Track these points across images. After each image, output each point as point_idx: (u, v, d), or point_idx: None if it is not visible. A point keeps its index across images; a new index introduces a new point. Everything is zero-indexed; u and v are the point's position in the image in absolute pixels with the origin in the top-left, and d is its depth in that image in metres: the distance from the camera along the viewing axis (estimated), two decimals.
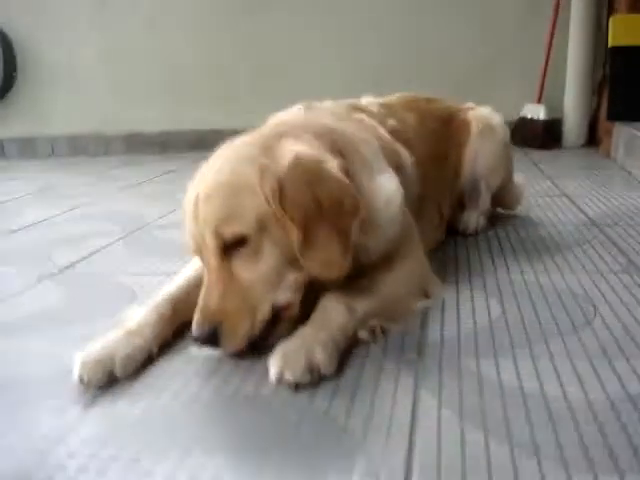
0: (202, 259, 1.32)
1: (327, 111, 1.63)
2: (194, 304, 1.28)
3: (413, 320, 1.45)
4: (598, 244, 2.00)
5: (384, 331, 1.38)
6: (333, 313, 1.31)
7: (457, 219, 2.16)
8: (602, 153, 3.97)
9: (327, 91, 4.85)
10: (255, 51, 5.03)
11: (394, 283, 1.45)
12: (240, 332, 1.24)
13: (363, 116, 1.70)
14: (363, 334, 1.34)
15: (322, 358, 1.19)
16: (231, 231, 1.25)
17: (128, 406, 1.16)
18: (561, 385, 1.14)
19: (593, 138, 4.33)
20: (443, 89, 4.68)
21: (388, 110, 1.88)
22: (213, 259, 1.26)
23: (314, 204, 1.26)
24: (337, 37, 4.90)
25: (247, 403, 1.15)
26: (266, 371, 1.19)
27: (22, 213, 3.07)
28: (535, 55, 4.45)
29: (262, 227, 1.25)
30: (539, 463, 0.93)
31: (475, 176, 2.11)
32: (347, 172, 1.37)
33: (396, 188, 1.47)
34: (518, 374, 1.18)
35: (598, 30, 4.20)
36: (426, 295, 1.54)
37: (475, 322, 1.42)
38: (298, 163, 1.28)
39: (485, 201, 2.16)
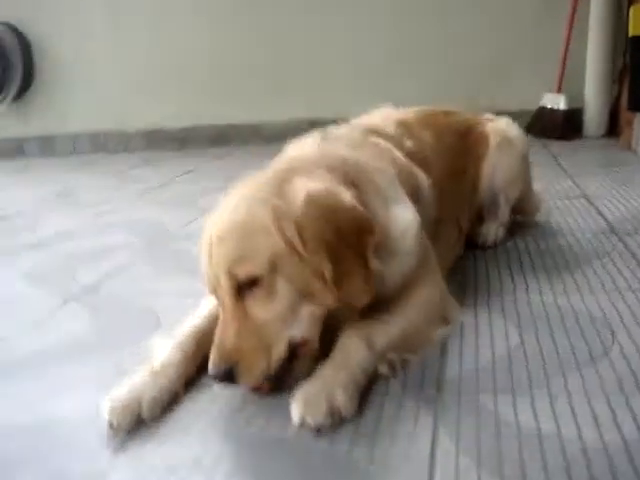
0: (217, 298, 1.35)
1: (342, 140, 1.64)
2: None
3: (432, 350, 1.47)
4: (617, 256, 2.00)
5: (403, 364, 1.40)
6: (353, 350, 1.33)
7: (476, 232, 2.16)
8: (623, 144, 3.93)
9: (345, 88, 4.87)
10: (273, 46, 5.03)
11: (413, 314, 1.47)
12: (256, 370, 1.26)
13: (379, 140, 1.71)
14: (382, 369, 1.36)
15: (343, 401, 1.21)
16: (244, 272, 1.27)
17: (155, 449, 1.20)
18: (577, 426, 1.16)
19: (614, 127, 4.28)
20: (463, 79, 4.68)
21: (405, 129, 1.89)
22: (227, 298, 1.29)
23: (334, 236, 1.29)
24: (357, 33, 4.88)
25: (271, 445, 1.18)
26: (289, 412, 1.22)
27: (43, 223, 3.13)
28: (554, 43, 4.39)
29: (275, 267, 1.28)
30: None
31: (494, 190, 2.12)
32: (361, 202, 1.39)
33: (412, 217, 1.49)
34: (535, 415, 1.20)
35: (619, 18, 4.13)
36: (445, 321, 1.55)
37: (493, 353, 1.44)
38: (311, 200, 1.30)
39: (504, 213, 2.16)
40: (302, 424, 1.19)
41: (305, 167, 1.42)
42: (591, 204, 2.62)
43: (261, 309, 1.28)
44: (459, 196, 2.00)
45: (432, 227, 1.73)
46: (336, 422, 1.20)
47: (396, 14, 4.81)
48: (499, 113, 4.50)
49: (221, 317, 1.31)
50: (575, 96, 4.33)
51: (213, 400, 1.35)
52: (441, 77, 4.76)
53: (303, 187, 1.33)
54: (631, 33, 3.57)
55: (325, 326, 1.37)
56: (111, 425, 1.24)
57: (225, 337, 1.27)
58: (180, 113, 5.32)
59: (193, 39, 5.15)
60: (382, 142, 1.70)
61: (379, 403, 1.29)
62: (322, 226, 1.28)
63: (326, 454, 1.14)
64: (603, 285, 1.78)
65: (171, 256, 2.40)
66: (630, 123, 3.80)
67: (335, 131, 1.72)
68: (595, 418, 1.18)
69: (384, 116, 2.10)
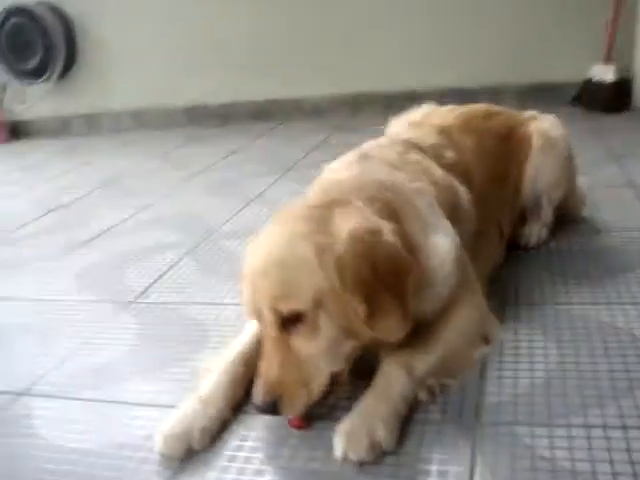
0: (261, 327, 1.39)
1: (381, 160, 1.64)
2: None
3: (471, 373, 1.50)
4: None
5: (443, 389, 1.43)
6: (394, 379, 1.37)
7: (518, 233, 2.15)
8: None
9: (386, 62, 4.79)
10: (314, 21, 4.97)
11: (452, 338, 1.50)
12: (299, 403, 1.31)
13: (419, 157, 1.71)
14: (422, 395, 1.40)
15: (383, 435, 1.26)
16: (288, 308, 1.30)
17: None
18: (611, 463, 1.18)
19: None
20: (508, 50, 4.56)
21: (446, 137, 1.88)
22: (271, 331, 1.33)
23: (374, 276, 1.31)
24: (400, 8, 4.78)
25: (315, 479, 1.25)
26: (332, 444, 1.27)
27: (91, 216, 3.22)
28: (602, 11, 4.22)
29: (318, 303, 1.30)
30: None
31: (537, 192, 2.10)
32: (402, 233, 1.41)
33: (450, 246, 1.51)
34: (571, 449, 1.23)
35: None
36: (485, 340, 1.58)
37: (532, 377, 1.46)
38: (354, 240, 1.32)
39: (547, 214, 2.15)
40: (345, 459, 1.24)
41: (345, 199, 1.43)
42: (638, 198, 2.56)
43: (304, 344, 1.32)
44: (501, 201, 2.00)
45: (472, 240, 1.74)
46: (377, 455, 1.26)
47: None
48: (545, 85, 4.48)
49: (264, 348, 1.36)
50: (625, 66, 4.18)
51: (259, 427, 1.41)
52: (485, 47, 4.65)
53: (345, 224, 1.34)
54: None
55: (363, 350, 1.41)
56: (163, 455, 1.31)
57: (269, 370, 1.32)
58: (221, 89, 5.33)
59: (234, 14, 5.12)
60: (422, 159, 1.70)
61: (419, 432, 1.33)
62: (361, 265, 1.30)
63: None
64: None
65: (216, 257, 2.46)
66: None
67: (373, 150, 1.72)
68: (630, 453, 1.20)
69: (425, 120, 2.10)
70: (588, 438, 1.26)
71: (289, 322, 1.32)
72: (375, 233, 1.35)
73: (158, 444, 1.33)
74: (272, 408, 1.30)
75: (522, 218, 2.18)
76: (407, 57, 4.82)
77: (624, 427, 1.27)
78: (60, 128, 5.82)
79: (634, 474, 1.15)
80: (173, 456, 1.32)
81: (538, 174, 2.07)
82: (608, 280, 1.89)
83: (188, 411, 1.38)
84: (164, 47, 5.37)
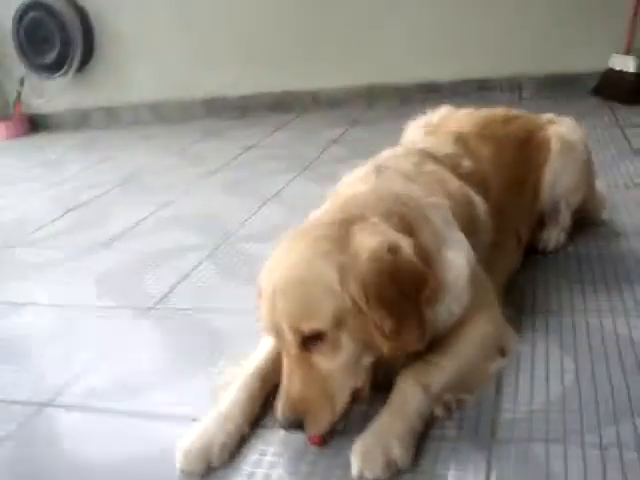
0: (281, 345, 1.40)
1: (396, 173, 1.64)
2: (279, 373, 1.39)
3: (488, 386, 1.51)
4: None
5: (459, 404, 1.44)
6: (410, 395, 1.38)
7: (537, 237, 2.15)
8: None
9: (404, 54, 4.75)
10: (332, 12, 4.93)
11: (467, 352, 1.51)
12: (323, 420, 1.33)
13: (435, 168, 1.71)
14: (438, 411, 1.41)
15: (399, 453, 1.28)
16: (309, 328, 1.32)
17: None
18: None
19: None
20: (527, 39, 4.50)
21: (463, 145, 1.88)
22: (292, 350, 1.35)
23: (394, 291, 1.32)
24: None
25: None
26: (349, 460, 1.29)
27: (110, 215, 3.27)
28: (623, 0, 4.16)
29: (339, 322, 1.32)
30: None
31: (555, 197, 2.09)
32: (417, 248, 1.41)
33: (464, 262, 1.51)
34: (585, 467, 1.24)
35: None
36: (502, 352, 1.58)
37: (548, 392, 1.47)
38: (375, 258, 1.32)
39: (565, 219, 2.14)
40: (361, 477, 1.26)
41: (361, 215, 1.44)
42: None
43: (326, 361, 1.34)
44: (519, 208, 1.99)
45: (488, 251, 1.75)
46: (393, 473, 1.27)
47: None
48: (564, 76, 4.42)
49: (286, 366, 1.37)
50: None
51: (276, 442, 1.43)
52: (503, 37, 4.59)
53: (365, 242, 1.35)
54: None
55: (377, 364, 1.42)
56: (183, 471, 1.34)
57: (292, 387, 1.34)
58: (239, 81, 5.33)
59: (251, 6, 5.10)
60: (437, 170, 1.70)
61: (435, 449, 1.35)
62: (384, 283, 1.31)
63: None
64: None
65: (235, 260, 2.48)
66: None
67: (388, 161, 1.72)
68: None
69: (442, 123, 2.09)
70: (602, 457, 1.26)
71: (309, 340, 1.33)
72: (394, 249, 1.35)
73: (178, 460, 1.35)
74: (297, 425, 1.32)
75: (540, 222, 2.17)
76: (424, 48, 4.78)
77: (638, 448, 1.28)
78: (79, 121, 5.86)
79: None
80: (193, 472, 1.34)
81: (557, 179, 2.06)
82: (626, 287, 1.88)
83: (207, 427, 1.41)
84: (181, 40, 5.37)
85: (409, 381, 1.41)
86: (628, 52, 4.14)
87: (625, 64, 4.11)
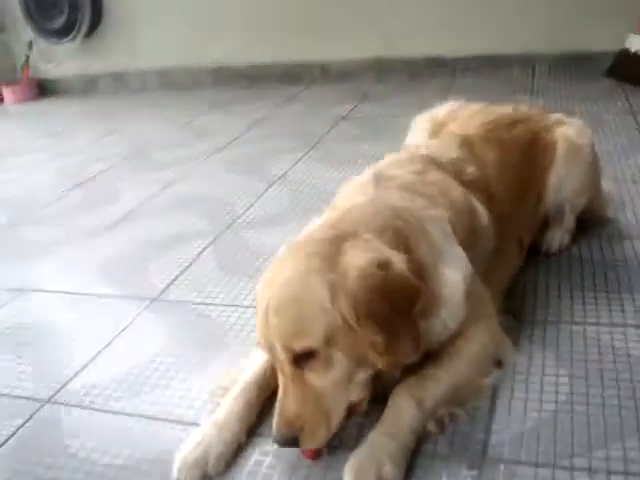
0: (275, 361, 1.41)
1: (396, 183, 1.63)
2: (276, 381, 1.41)
3: (482, 400, 1.52)
4: None
5: (452, 418, 1.46)
6: (404, 411, 1.40)
7: (540, 238, 2.14)
8: None
9: (418, 25, 4.65)
10: None
11: (462, 366, 1.51)
12: (319, 435, 1.35)
13: (437, 176, 1.70)
14: (431, 426, 1.43)
15: (391, 471, 1.30)
16: (300, 346, 1.33)
17: None
18: None
19: None
20: (540, 20, 4.40)
21: (467, 150, 1.86)
22: (286, 367, 1.36)
23: (385, 307, 1.32)
24: None
25: None
26: (341, 473, 1.32)
27: (117, 193, 3.28)
28: None
29: (331, 340, 1.32)
30: None
31: (559, 200, 2.08)
32: (412, 263, 1.42)
33: (460, 279, 1.51)
34: None
35: None
36: (498, 364, 1.60)
37: (540, 411, 1.48)
38: (364, 275, 1.32)
39: (569, 221, 2.13)
40: None
41: (354, 231, 1.43)
42: None
43: (319, 378, 1.35)
44: (523, 213, 1.97)
45: (490, 258, 1.75)
46: None
47: None
48: (579, 55, 4.33)
49: (280, 383, 1.39)
50: None
51: (271, 453, 1.45)
52: (517, 13, 4.50)
53: (355, 259, 1.35)
54: None
55: (374, 377, 1.43)
56: None
57: (286, 404, 1.35)
58: (247, 50, 5.27)
59: None
60: (440, 179, 1.69)
61: (427, 466, 1.37)
62: (374, 300, 1.32)
63: None
64: None
65: (238, 249, 2.49)
66: None
67: (389, 169, 1.71)
68: None
69: (449, 120, 2.08)
70: None
71: (302, 358, 1.34)
72: (385, 265, 1.35)
73: (174, 469, 1.38)
74: (292, 442, 1.34)
75: (544, 223, 2.16)
76: (435, 22, 4.70)
77: (626, 473, 1.29)
78: (86, 87, 5.83)
79: None
80: None
81: (562, 183, 2.05)
82: (627, 296, 1.88)
83: (204, 436, 1.43)
84: (190, 6, 5.30)
85: (403, 395, 1.43)
86: None
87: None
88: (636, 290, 1.90)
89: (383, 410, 1.42)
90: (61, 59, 5.75)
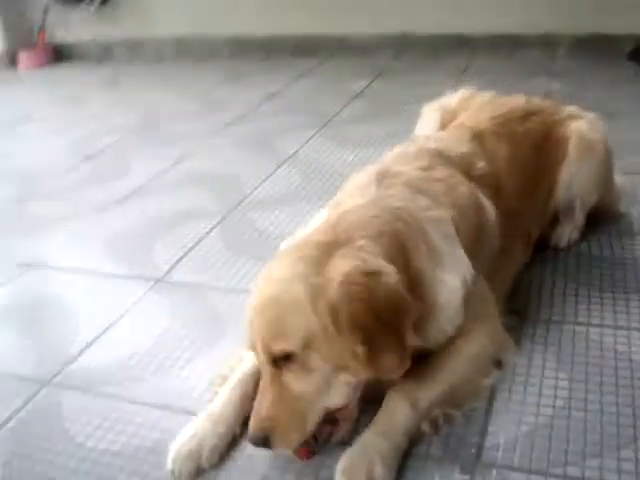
0: (258, 362, 1.41)
1: (400, 181, 1.59)
2: None
3: (479, 402, 1.51)
4: None
5: (447, 419, 1.45)
6: (398, 412, 1.40)
7: (549, 233, 2.11)
8: None
9: (433, 5, 4.54)
10: None
11: (460, 368, 1.50)
12: (290, 439, 1.34)
13: (445, 173, 1.67)
14: (425, 427, 1.42)
15: (382, 473, 1.30)
16: (278, 348, 1.31)
17: None
18: None
19: None
20: (561, 3, 4.29)
21: (478, 144, 1.83)
22: (265, 367, 1.36)
23: (370, 316, 1.29)
24: None
25: None
26: (333, 472, 1.32)
27: (126, 167, 3.27)
28: None
29: (309, 344, 1.31)
30: None
31: (570, 197, 2.04)
32: (408, 269, 1.40)
33: (459, 285, 1.48)
34: None
35: None
36: (498, 364, 1.58)
37: (537, 415, 1.47)
38: (347, 282, 1.29)
39: (579, 218, 2.09)
40: None
41: (348, 236, 1.40)
42: None
43: (296, 381, 1.34)
44: (532, 209, 1.94)
45: (496, 256, 1.73)
46: None
47: None
48: (601, 37, 4.22)
49: (261, 382, 1.38)
50: None
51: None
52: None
53: (341, 266, 1.32)
54: None
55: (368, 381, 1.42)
56: (173, 473, 1.39)
57: (262, 404, 1.35)
58: (264, 21, 5.19)
59: None
60: (448, 176, 1.66)
61: (419, 468, 1.37)
62: (357, 309, 1.28)
63: None
64: None
65: (243, 230, 2.48)
66: None
67: (394, 165, 1.67)
68: None
69: (460, 109, 2.05)
70: None
71: (281, 360, 1.33)
72: (373, 275, 1.32)
73: (168, 460, 1.40)
74: (263, 443, 1.34)
75: (554, 218, 2.13)
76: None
77: None
78: (102, 54, 5.78)
79: None
80: (182, 473, 1.38)
81: (573, 180, 2.01)
82: (633, 297, 1.85)
83: (199, 428, 1.44)
84: None
85: (398, 396, 1.42)
86: None
87: None
88: None
89: (377, 409, 1.42)
90: (77, 25, 5.69)
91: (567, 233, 2.11)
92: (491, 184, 1.77)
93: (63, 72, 5.58)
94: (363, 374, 1.35)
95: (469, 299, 1.51)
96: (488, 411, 1.50)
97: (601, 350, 1.66)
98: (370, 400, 1.45)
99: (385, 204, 1.51)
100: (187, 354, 1.81)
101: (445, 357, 1.51)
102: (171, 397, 1.65)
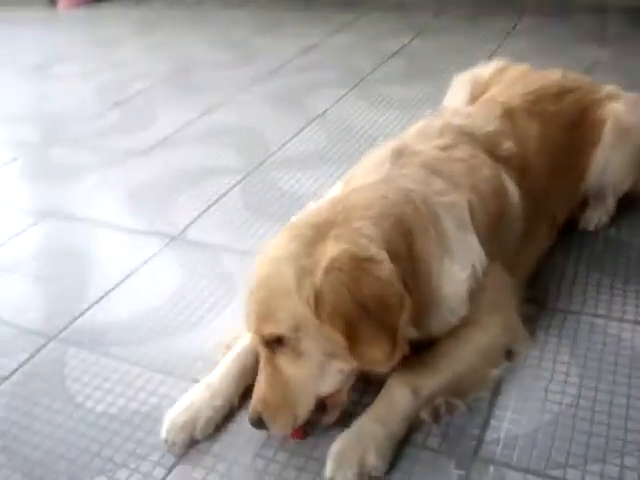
0: (254, 341, 1.39)
1: (418, 160, 1.52)
2: None
3: (484, 393, 1.47)
4: None
5: (449, 409, 1.41)
6: (398, 398, 1.36)
7: (578, 215, 2.02)
8: None
9: None
10: None
11: (467, 356, 1.45)
12: (283, 422, 1.32)
13: (467, 152, 1.58)
14: (425, 415, 1.39)
15: (374, 461, 1.27)
16: (268, 331, 1.29)
17: (207, 471, 1.34)
18: None
19: None
20: None
21: (508, 121, 1.74)
22: (260, 348, 1.34)
23: (355, 307, 1.23)
24: None
25: None
26: (326, 453, 1.30)
27: (154, 116, 3.24)
28: None
29: (298, 328, 1.27)
30: None
31: (602, 182, 1.94)
32: (409, 257, 1.35)
33: (465, 275, 1.42)
34: None
35: None
36: (509, 354, 1.53)
37: (542, 412, 1.42)
38: (333, 268, 1.24)
39: (611, 203, 2.00)
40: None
41: (348, 217, 1.33)
42: None
43: (288, 365, 1.31)
44: (560, 192, 1.85)
45: (519, 240, 1.66)
46: None
47: None
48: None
49: (260, 361, 1.36)
50: None
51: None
52: None
53: (330, 249, 1.26)
54: None
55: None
56: (167, 442, 1.38)
57: (259, 385, 1.33)
58: None
59: None
60: (470, 156, 1.57)
61: (414, 457, 1.34)
62: (341, 297, 1.23)
63: None
64: None
65: (265, 190, 2.44)
66: None
67: (415, 144, 1.59)
68: None
69: (492, 82, 1.96)
70: None
71: (273, 343, 1.30)
72: (362, 261, 1.25)
73: (162, 430, 1.39)
74: (259, 423, 1.32)
75: (583, 201, 2.04)
76: None
77: None
78: None
79: None
80: (176, 444, 1.38)
81: (607, 165, 1.91)
82: None
83: (195, 399, 1.43)
84: None
85: (399, 382, 1.38)
86: None
87: None
88: None
89: (378, 392, 1.39)
90: None
91: (596, 217, 2.02)
92: (517, 165, 1.68)
93: (101, 13, 5.51)
94: (352, 364, 1.31)
95: (481, 288, 1.45)
96: (492, 403, 1.46)
97: (617, 346, 1.59)
98: (372, 383, 1.42)
99: (396, 184, 1.44)
100: (194, 318, 1.80)
101: (452, 345, 1.46)
102: (174, 362, 1.64)
